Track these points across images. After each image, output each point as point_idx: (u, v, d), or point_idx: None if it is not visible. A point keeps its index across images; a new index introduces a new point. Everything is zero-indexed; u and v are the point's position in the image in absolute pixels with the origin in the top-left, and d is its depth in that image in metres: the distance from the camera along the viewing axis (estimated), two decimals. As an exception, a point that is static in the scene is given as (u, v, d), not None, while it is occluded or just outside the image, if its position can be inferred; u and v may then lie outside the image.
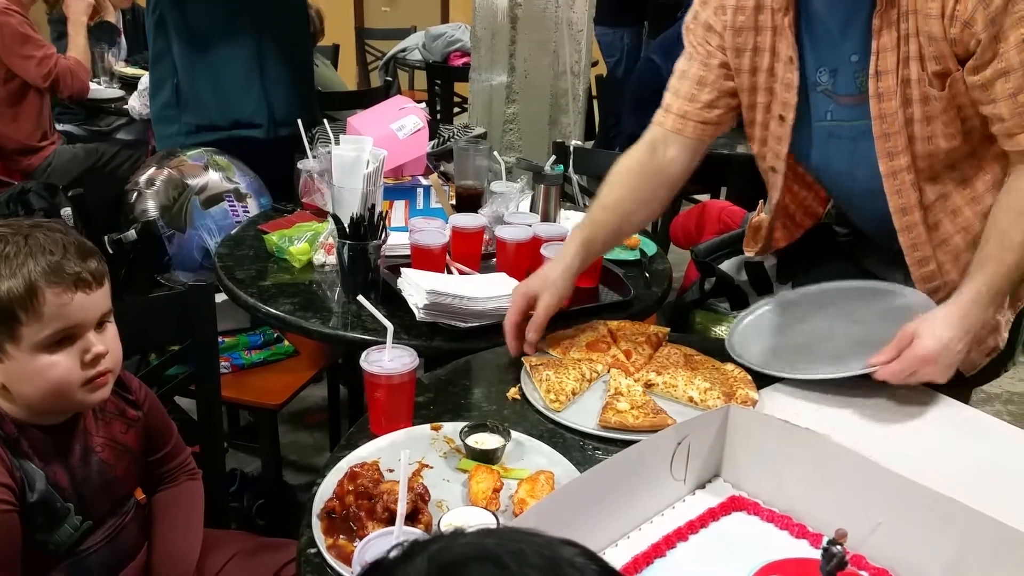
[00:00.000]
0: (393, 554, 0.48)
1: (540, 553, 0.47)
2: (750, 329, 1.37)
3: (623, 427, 1.10)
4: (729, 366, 1.21)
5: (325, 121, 1.96)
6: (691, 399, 1.16)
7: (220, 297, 1.65)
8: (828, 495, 0.85)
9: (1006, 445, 1.09)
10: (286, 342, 1.95)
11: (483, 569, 0.45)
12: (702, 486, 0.96)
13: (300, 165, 1.91)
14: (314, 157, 1.90)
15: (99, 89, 3.53)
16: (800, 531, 0.86)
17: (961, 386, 1.37)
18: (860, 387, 1.16)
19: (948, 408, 1.16)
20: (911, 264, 1.31)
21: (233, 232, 1.84)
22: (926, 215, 1.26)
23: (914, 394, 1.17)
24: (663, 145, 1.39)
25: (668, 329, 1.37)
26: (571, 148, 2.36)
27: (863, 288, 1.36)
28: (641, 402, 1.13)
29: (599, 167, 2.69)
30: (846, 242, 1.52)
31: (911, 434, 1.10)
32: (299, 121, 1.92)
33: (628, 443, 0.94)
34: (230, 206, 2.01)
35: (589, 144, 3.60)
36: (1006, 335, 1.38)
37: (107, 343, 1.03)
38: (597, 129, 4.13)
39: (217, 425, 1.45)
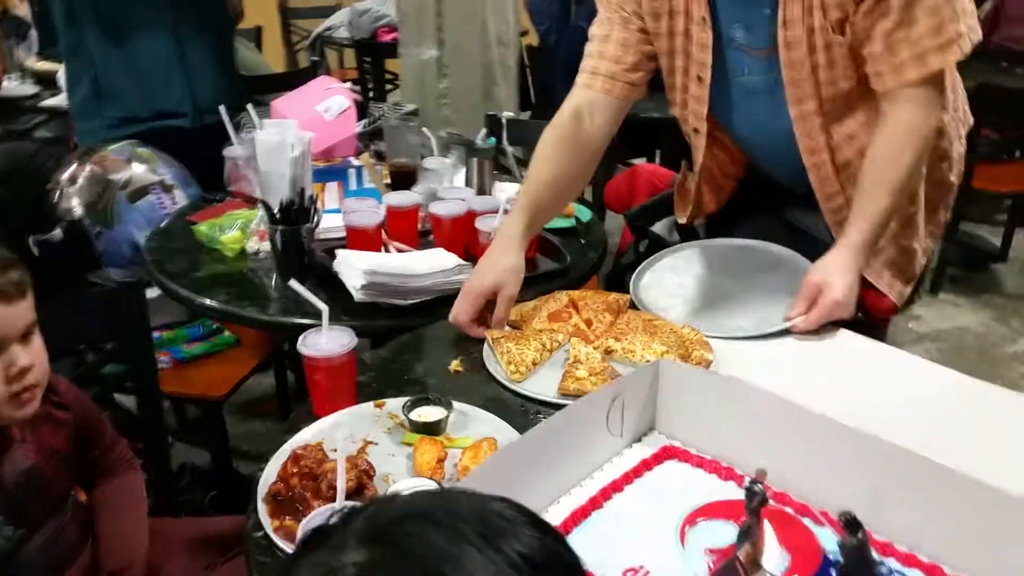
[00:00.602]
0: (333, 520, 0.50)
1: (470, 507, 0.49)
2: (653, 280, 1.44)
3: (582, 393, 1.12)
4: (686, 329, 1.23)
5: (250, 106, 1.92)
6: (648, 362, 1.19)
7: (154, 291, 1.63)
8: (754, 438, 0.89)
9: (924, 381, 1.15)
10: (227, 332, 1.93)
11: (416, 526, 0.47)
12: (638, 439, 1.00)
13: (226, 152, 1.87)
14: (240, 143, 1.86)
15: (12, 87, 3.39)
16: (728, 474, 0.90)
17: (888, 319, 1.53)
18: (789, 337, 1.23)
19: (874, 350, 1.23)
20: (821, 200, 1.40)
21: (162, 225, 1.81)
22: (833, 155, 1.35)
23: (842, 339, 1.24)
24: (588, 112, 1.40)
25: (629, 296, 1.38)
26: (503, 120, 2.36)
27: (742, 247, 1.46)
28: (599, 368, 1.15)
29: (535, 138, 2.71)
30: (768, 197, 1.57)
31: (837, 376, 1.15)
32: (222, 108, 1.88)
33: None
34: (157, 199, 1.97)
35: (527, 115, 3.60)
36: (923, 261, 1.49)
37: (33, 356, 1.00)
38: (533, 99, 4.13)
39: (158, 420, 1.44)
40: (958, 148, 1.47)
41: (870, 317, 1.49)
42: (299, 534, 0.84)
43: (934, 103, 1.25)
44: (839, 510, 0.71)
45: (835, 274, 1.22)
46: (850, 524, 0.69)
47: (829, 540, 0.77)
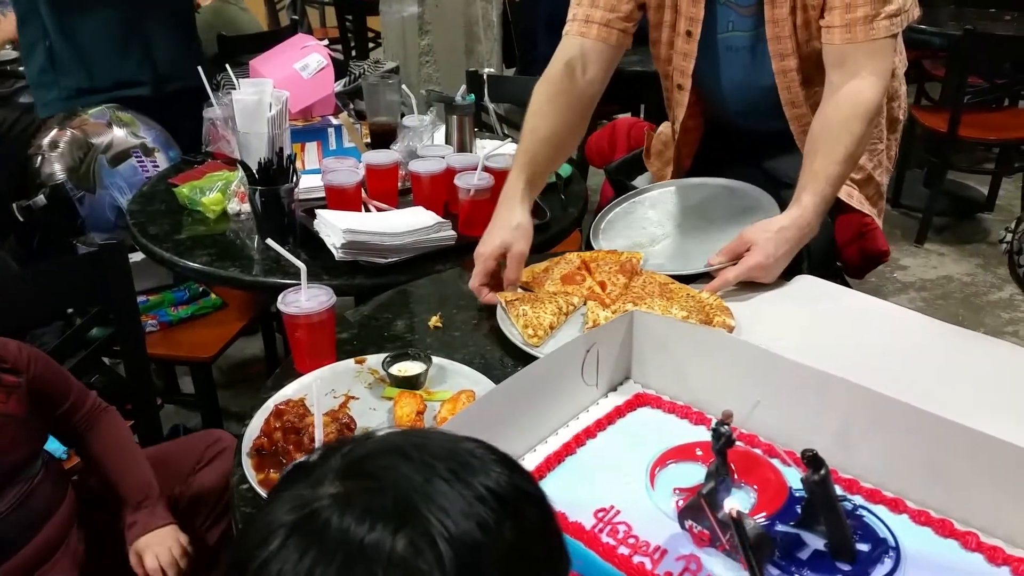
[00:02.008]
0: (312, 458, 0.52)
1: (442, 446, 0.51)
2: (616, 219, 1.48)
3: None
4: (705, 294, 1.21)
5: (228, 67, 1.91)
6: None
7: (139, 256, 1.63)
8: (725, 384, 0.91)
9: (904, 329, 1.16)
10: (213, 295, 1.94)
11: (389, 459, 0.50)
12: (614, 389, 1.01)
13: (205, 114, 1.86)
14: (219, 104, 1.85)
15: (-8, 51, 3.33)
16: (698, 418, 0.92)
17: (869, 268, 1.59)
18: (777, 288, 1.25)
19: (850, 298, 1.24)
20: (801, 145, 1.41)
21: (143, 188, 1.80)
22: (814, 109, 1.36)
23: (824, 288, 1.26)
24: (581, 64, 1.39)
25: (641, 255, 1.34)
26: (485, 77, 2.34)
27: (720, 186, 1.47)
28: None
29: (517, 94, 2.69)
30: (746, 148, 1.58)
31: (815, 324, 1.16)
32: (200, 69, 1.86)
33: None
34: (138, 162, 1.96)
35: (512, 72, 3.56)
36: (885, 195, 1.58)
37: None
38: (517, 55, 4.08)
39: (146, 382, 1.46)
40: (903, 88, 1.55)
41: (863, 264, 1.54)
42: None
43: (883, 74, 1.27)
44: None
45: (770, 240, 1.21)
46: (812, 460, 0.71)
47: (795, 479, 0.79)
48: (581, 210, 1.70)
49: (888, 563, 0.73)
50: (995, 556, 0.74)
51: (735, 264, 1.23)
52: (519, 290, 1.27)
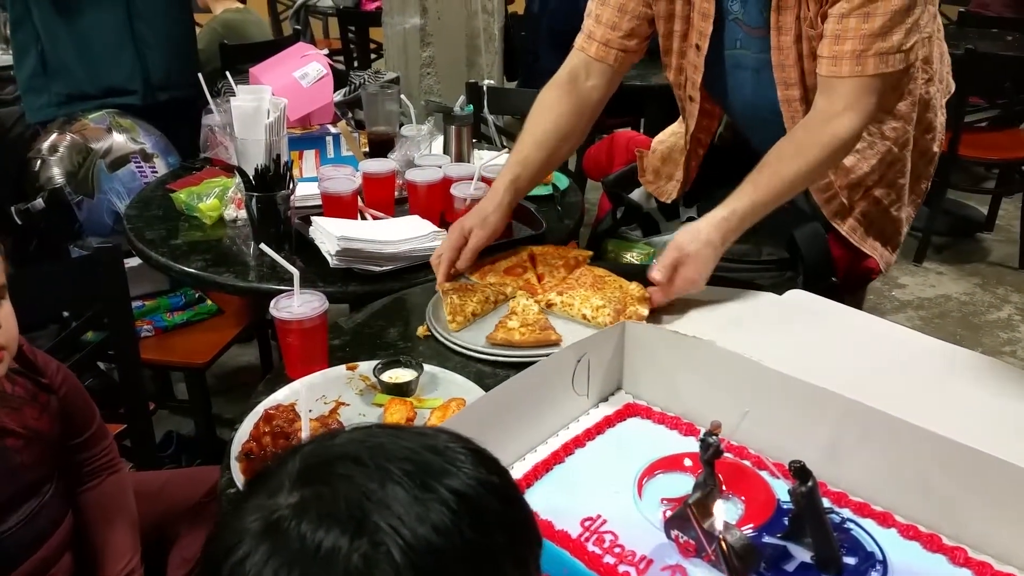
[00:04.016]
0: (271, 464, 0.52)
1: (403, 446, 0.51)
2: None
3: (508, 343, 1.15)
4: (632, 285, 1.25)
5: (228, 74, 1.92)
6: (584, 316, 1.22)
7: (135, 261, 1.63)
8: (716, 395, 0.91)
9: (896, 345, 1.15)
10: (209, 301, 1.94)
11: (344, 467, 0.49)
12: (605, 399, 1.01)
13: (204, 120, 1.87)
14: (218, 111, 1.86)
15: (-6, 56, 3.35)
16: (688, 429, 0.92)
17: (866, 284, 1.58)
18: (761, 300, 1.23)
19: (841, 313, 1.23)
20: None
21: (141, 193, 1.81)
22: None
23: (815, 304, 1.25)
24: (584, 73, 1.42)
25: (591, 253, 1.40)
26: (484, 88, 2.35)
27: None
28: (532, 320, 1.18)
29: (517, 106, 2.70)
30: (746, 165, 1.58)
31: (806, 338, 1.16)
32: (200, 75, 1.87)
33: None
34: (137, 167, 1.97)
35: (513, 85, 3.58)
36: (907, 229, 1.53)
37: (0, 318, 0.99)
38: (518, 68, 4.10)
39: (140, 386, 1.45)
40: (941, 119, 1.49)
41: (847, 284, 1.51)
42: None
43: (864, 112, 1.23)
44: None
45: (700, 252, 1.18)
46: (799, 472, 0.70)
47: (783, 491, 0.79)
48: (577, 222, 1.71)
49: (874, 576, 0.72)
50: (983, 572, 0.74)
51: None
52: (464, 279, 1.33)
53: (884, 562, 0.74)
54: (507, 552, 0.50)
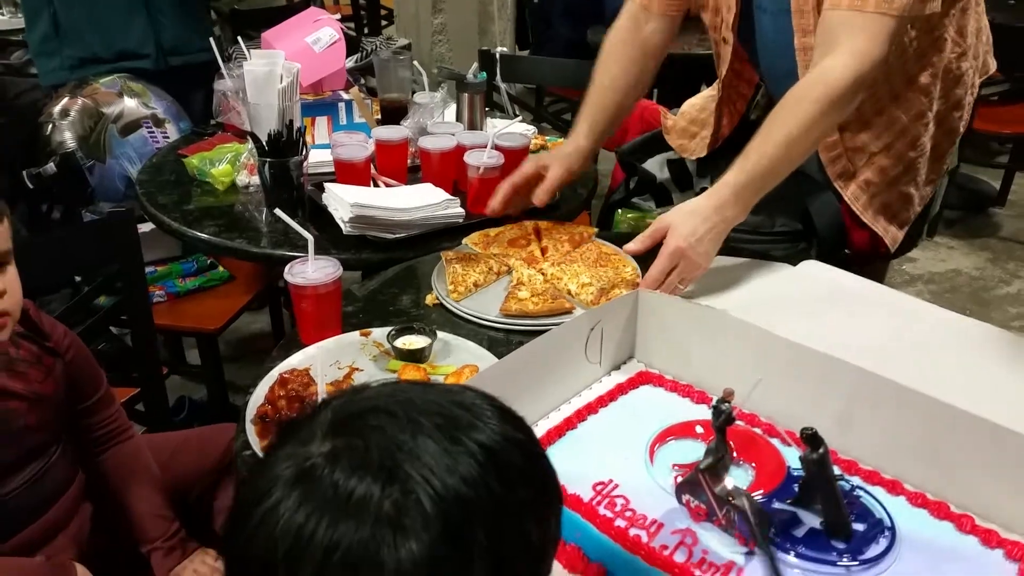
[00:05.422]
0: (304, 414, 0.54)
1: (434, 400, 0.53)
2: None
3: (524, 314, 1.16)
4: (628, 269, 1.24)
5: (240, 39, 1.90)
6: (569, 291, 1.22)
7: (148, 226, 1.64)
8: (728, 364, 0.91)
9: (909, 316, 1.15)
10: (221, 268, 1.95)
11: (376, 418, 0.51)
12: (617, 367, 1.02)
13: (216, 85, 1.86)
14: (230, 76, 1.85)
15: (3, 20, 3.34)
16: (700, 397, 0.92)
17: (879, 260, 1.52)
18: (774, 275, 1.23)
19: (855, 284, 1.23)
20: None
21: (153, 159, 1.81)
22: None
23: (830, 273, 1.24)
24: (645, 18, 1.44)
25: (596, 229, 1.41)
26: (497, 56, 2.34)
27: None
28: (541, 290, 1.19)
29: (530, 75, 2.69)
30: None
31: (819, 307, 1.16)
32: (212, 40, 1.86)
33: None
34: (148, 132, 1.97)
35: (525, 53, 3.55)
36: (919, 208, 1.48)
37: (5, 283, 0.99)
38: (531, 36, 4.07)
39: (152, 349, 1.46)
40: (970, 97, 1.44)
41: (860, 258, 1.50)
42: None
43: (861, 55, 1.14)
44: (803, 429, 0.74)
45: (686, 220, 1.14)
46: (811, 439, 0.71)
47: (794, 458, 0.80)
48: (590, 191, 1.70)
49: (883, 542, 0.73)
50: (989, 539, 0.75)
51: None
52: (466, 248, 1.34)
53: (892, 528, 0.75)
54: (530, 507, 0.52)
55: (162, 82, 2.15)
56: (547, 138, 1.91)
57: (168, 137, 1.99)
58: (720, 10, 1.44)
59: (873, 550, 0.73)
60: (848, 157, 1.41)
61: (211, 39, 1.91)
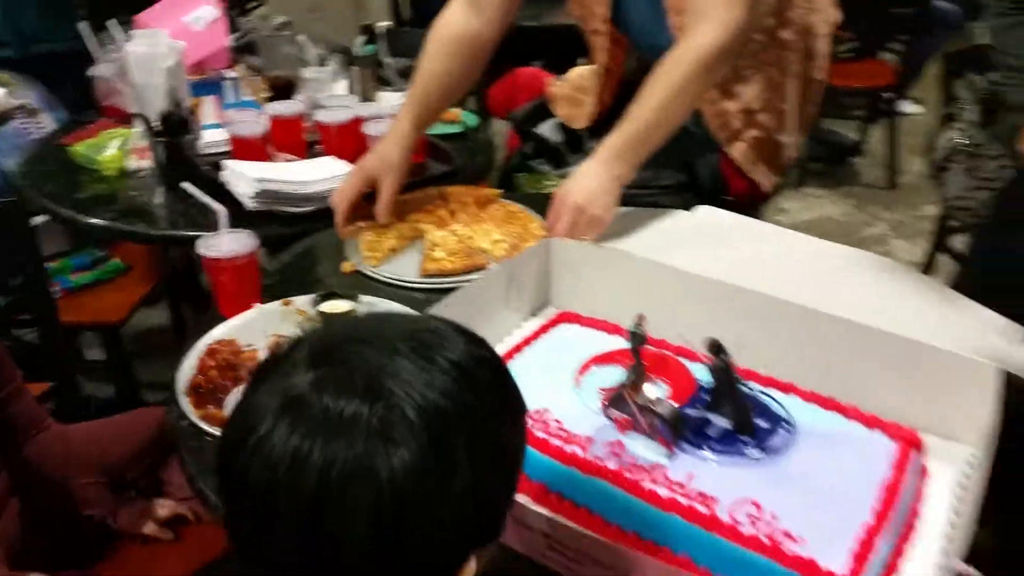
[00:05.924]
0: (280, 351, 0.57)
1: (402, 328, 0.58)
2: None
3: (442, 272, 1.20)
4: (534, 224, 1.31)
5: (111, 23, 1.83)
6: (483, 249, 1.27)
7: (36, 220, 1.57)
8: (634, 300, 0.96)
9: (789, 245, 1.26)
10: (115, 260, 1.88)
11: (354, 346, 0.55)
12: (534, 314, 1.08)
13: (92, 71, 1.79)
14: (105, 62, 1.78)
15: None
16: (615, 329, 1.00)
17: (759, 203, 1.65)
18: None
19: (745, 223, 1.33)
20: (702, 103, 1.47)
21: (33, 150, 1.73)
22: None
23: (721, 215, 1.34)
24: (479, 6, 1.38)
25: (500, 191, 1.44)
26: (381, 31, 2.33)
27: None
28: (456, 249, 1.24)
29: (414, 48, 2.68)
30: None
31: (716, 245, 1.24)
32: (82, 25, 1.78)
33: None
34: (22, 124, 1.87)
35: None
36: (793, 153, 1.61)
37: None
38: (409, 10, 4.04)
39: (61, 342, 1.41)
40: (822, 46, 1.55)
41: (739, 203, 1.62)
42: (225, 412, 0.89)
43: (725, 24, 1.20)
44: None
45: (578, 179, 1.20)
46: (716, 348, 0.80)
47: (702, 373, 0.89)
48: (489, 158, 1.75)
49: (783, 434, 0.83)
50: (871, 423, 0.86)
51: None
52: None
53: (790, 422, 0.85)
54: (500, 414, 0.58)
55: (27, 71, 2.03)
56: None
57: (43, 127, 1.90)
58: (589, 5, 1.48)
59: (774, 441, 0.83)
60: (736, 121, 1.52)
61: (81, 24, 1.82)
